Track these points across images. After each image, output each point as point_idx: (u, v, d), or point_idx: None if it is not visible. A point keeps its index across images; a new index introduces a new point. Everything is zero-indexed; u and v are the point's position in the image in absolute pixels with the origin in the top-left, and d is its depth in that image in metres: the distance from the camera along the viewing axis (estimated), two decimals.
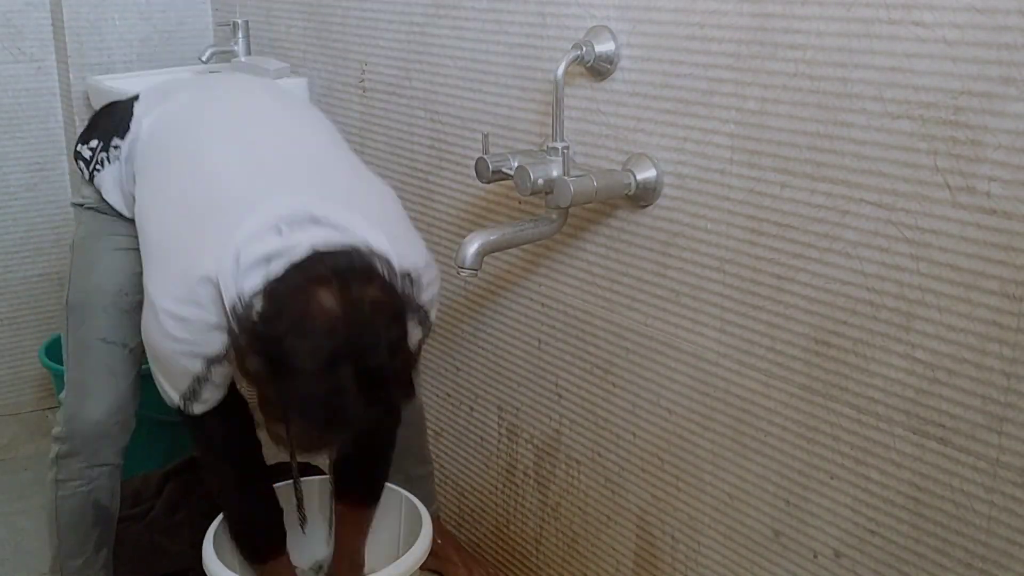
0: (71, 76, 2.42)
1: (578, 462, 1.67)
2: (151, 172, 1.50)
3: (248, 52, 2.36)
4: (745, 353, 1.33)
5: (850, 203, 1.16)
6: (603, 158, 1.48)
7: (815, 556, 1.30)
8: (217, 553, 1.50)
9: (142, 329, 1.42)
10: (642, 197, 1.42)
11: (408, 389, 1.32)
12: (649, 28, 1.37)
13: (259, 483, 1.59)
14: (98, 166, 1.57)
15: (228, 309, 1.28)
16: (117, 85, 2.25)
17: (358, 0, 1.98)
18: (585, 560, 1.70)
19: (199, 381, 1.38)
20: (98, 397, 1.59)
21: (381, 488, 1.65)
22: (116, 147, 1.55)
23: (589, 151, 1.50)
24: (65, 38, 2.39)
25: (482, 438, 1.89)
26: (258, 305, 1.25)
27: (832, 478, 1.26)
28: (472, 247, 1.39)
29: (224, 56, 2.40)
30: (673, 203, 1.39)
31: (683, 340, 1.42)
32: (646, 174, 1.40)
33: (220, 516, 1.58)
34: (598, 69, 1.44)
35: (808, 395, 1.26)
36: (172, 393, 1.43)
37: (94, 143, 1.58)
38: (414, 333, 1.31)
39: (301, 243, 1.28)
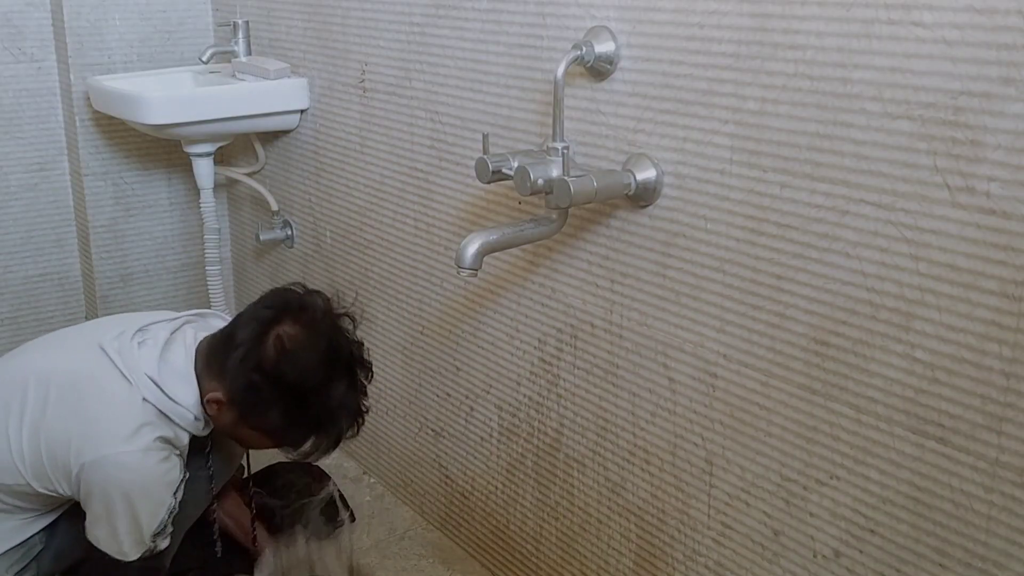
0: (71, 76, 2.42)
1: (578, 462, 1.67)
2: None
3: (248, 52, 2.36)
4: (745, 353, 1.34)
5: (850, 203, 1.16)
6: (603, 158, 1.48)
7: (815, 556, 1.30)
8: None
9: (106, 494, 1.45)
10: (642, 197, 1.42)
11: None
12: (649, 28, 1.37)
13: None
14: None
15: (198, 406, 1.50)
16: (117, 85, 2.25)
17: (358, 0, 1.98)
18: (584, 560, 1.70)
19: (176, 493, 1.50)
20: None
21: None
22: None
23: (589, 151, 1.50)
24: (65, 38, 2.39)
25: (482, 438, 1.89)
26: (237, 379, 1.46)
27: (832, 478, 1.26)
28: (472, 247, 1.39)
29: (224, 56, 2.40)
30: (673, 203, 1.39)
31: (683, 340, 1.42)
32: (646, 174, 1.40)
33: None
34: (598, 69, 1.44)
35: (808, 395, 1.26)
36: (146, 532, 1.48)
37: None
38: None
39: (158, 335, 1.53)
